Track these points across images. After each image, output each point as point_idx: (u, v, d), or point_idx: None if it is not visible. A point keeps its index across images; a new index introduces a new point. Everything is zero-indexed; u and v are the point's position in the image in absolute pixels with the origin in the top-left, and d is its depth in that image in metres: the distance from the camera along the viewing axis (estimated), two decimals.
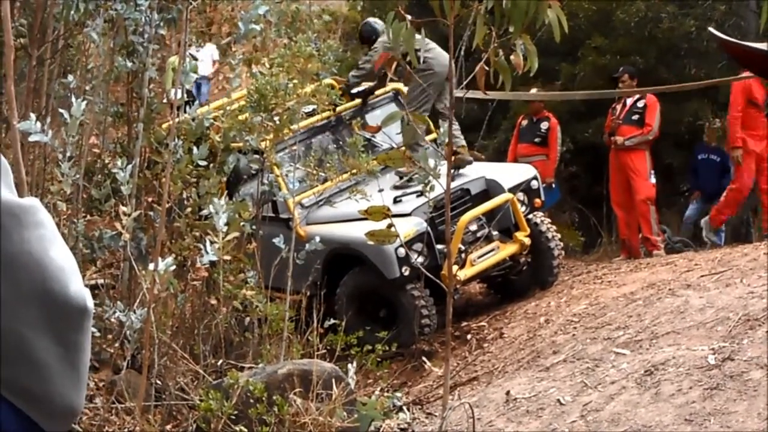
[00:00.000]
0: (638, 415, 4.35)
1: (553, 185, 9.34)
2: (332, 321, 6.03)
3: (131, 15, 5.66)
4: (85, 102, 5.20)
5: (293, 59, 6.03)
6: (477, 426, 4.48)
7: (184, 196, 5.69)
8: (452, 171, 4.53)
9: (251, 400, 4.63)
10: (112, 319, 5.09)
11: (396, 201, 6.97)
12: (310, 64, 6.05)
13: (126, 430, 4.85)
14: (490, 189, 7.37)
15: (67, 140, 5.17)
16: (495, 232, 7.19)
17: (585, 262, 9.09)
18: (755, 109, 8.36)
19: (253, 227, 5.96)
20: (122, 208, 4.97)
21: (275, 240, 5.79)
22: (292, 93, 6.01)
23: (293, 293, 5.83)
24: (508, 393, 5.12)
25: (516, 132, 9.75)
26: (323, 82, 6.72)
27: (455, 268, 4.95)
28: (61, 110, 5.25)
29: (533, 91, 9.38)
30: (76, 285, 1.07)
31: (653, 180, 8.86)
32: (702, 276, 6.40)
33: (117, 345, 5.32)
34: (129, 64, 5.77)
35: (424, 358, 6.76)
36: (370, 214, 3.85)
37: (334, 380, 4.87)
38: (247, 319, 5.77)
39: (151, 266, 4.64)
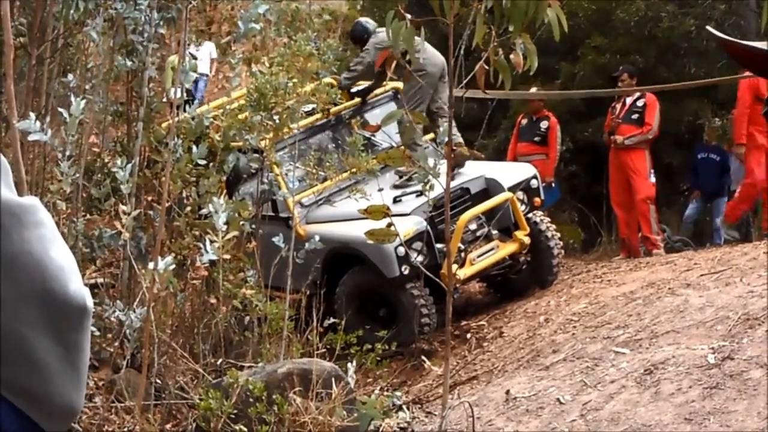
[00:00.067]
0: (638, 414, 4.34)
1: (553, 184, 9.33)
2: (332, 320, 6.02)
3: (131, 14, 5.65)
4: (84, 101, 5.20)
5: (293, 58, 6.03)
6: (477, 425, 4.47)
7: (184, 195, 5.69)
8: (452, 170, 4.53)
9: (251, 399, 4.63)
10: (112, 318, 5.09)
11: (396, 200, 6.97)
12: (310, 63, 6.05)
13: (126, 429, 4.85)
14: (490, 188, 7.37)
15: (66, 139, 5.17)
16: (495, 231, 7.18)
17: (585, 261, 9.08)
18: (762, 105, 8.36)
19: (253, 226, 5.95)
20: (122, 207, 4.96)
21: (275, 239, 5.79)
22: (292, 92, 6.01)
23: (293, 292, 5.82)
24: (507, 392, 5.12)
25: (516, 131, 9.74)
26: (323, 81, 6.71)
27: (455, 267, 4.93)
28: (60, 109, 5.25)
29: (533, 90, 9.39)
30: (75, 284, 1.07)
31: (653, 179, 8.86)
32: (702, 275, 6.40)
33: (117, 344, 5.31)
34: (129, 63, 5.77)
35: (423, 357, 6.75)
36: (369, 213, 3.84)
37: (333, 379, 4.87)
38: (247, 318, 5.76)
39: (151, 265, 4.64)
